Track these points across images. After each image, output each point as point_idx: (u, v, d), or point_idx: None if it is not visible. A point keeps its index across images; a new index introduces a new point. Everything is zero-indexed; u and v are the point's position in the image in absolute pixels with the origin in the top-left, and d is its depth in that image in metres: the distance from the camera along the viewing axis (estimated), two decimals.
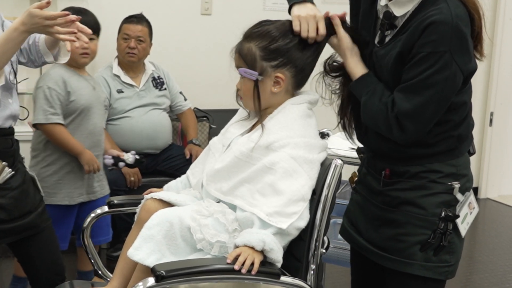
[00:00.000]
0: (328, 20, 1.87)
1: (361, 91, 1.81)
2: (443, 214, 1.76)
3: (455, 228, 1.79)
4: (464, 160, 1.84)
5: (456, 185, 1.78)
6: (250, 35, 1.87)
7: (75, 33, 2.04)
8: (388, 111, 1.71)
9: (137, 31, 3.71)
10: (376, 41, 1.83)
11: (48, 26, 1.99)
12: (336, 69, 1.93)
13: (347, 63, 1.86)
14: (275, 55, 1.84)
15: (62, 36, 2.02)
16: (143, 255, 1.74)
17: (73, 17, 2.01)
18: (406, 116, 1.69)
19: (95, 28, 3.03)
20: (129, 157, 3.30)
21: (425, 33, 1.65)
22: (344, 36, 1.86)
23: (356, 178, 2.03)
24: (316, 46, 1.88)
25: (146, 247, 1.74)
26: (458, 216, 1.78)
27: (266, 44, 1.84)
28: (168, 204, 1.91)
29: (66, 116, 2.99)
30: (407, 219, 1.79)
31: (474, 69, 1.73)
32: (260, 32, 1.86)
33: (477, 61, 1.78)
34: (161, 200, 1.93)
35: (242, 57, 1.86)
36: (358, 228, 1.93)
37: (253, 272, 1.66)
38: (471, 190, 1.85)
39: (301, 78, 1.91)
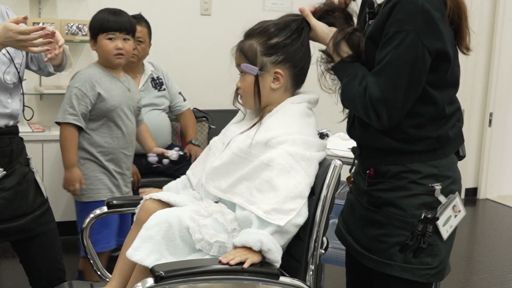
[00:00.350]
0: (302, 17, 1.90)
1: (342, 74, 1.80)
2: (422, 216, 1.74)
3: (436, 231, 1.77)
4: (448, 162, 1.81)
5: (437, 186, 1.76)
6: (251, 32, 1.90)
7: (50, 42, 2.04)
8: (366, 96, 1.69)
9: (136, 32, 3.70)
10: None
11: (21, 41, 2.00)
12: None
13: (329, 47, 1.85)
14: (274, 50, 1.87)
15: (35, 49, 2.03)
16: (142, 255, 1.74)
17: (49, 29, 2.02)
18: (378, 102, 1.67)
19: (130, 28, 3.03)
20: (173, 153, 3.27)
21: (393, 13, 1.66)
22: (316, 24, 1.87)
23: (352, 179, 2.03)
24: (307, 42, 1.90)
25: (145, 247, 1.74)
26: (437, 219, 1.76)
27: (265, 39, 1.87)
28: (167, 205, 1.91)
29: (97, 117, 3.00)
30: (388, 220, 1.79)
31: (443, 51, 1.68)
32: (260, 29, 1.89)
33: (465, 56, 1.79)
34: (160, 201, 1.93)
35: (244, 54, 1.89)
36: (349, 228, 1.94)
37: (244, 266, 1.66)
38: (457, 193, 1.81)
39: (299, 77, 1.93)
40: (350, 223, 1.94)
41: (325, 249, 1.92)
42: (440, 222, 1.77)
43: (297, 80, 1.93)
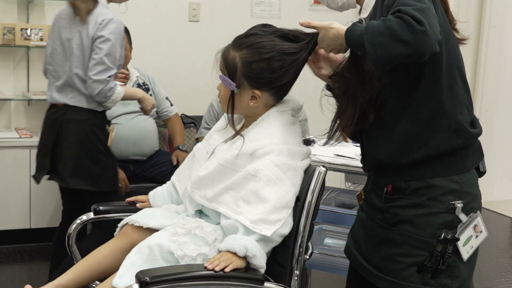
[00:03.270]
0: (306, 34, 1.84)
1: (359, 30, 1.61)
2: (442, 236, 1.67)
3: (456, 251, 1.69)
4: (470, 177, 1.73)
5: (458, 204, 1.68)
6: (240, 44, 1.85)
7: None
8: (398, 14, 1.52)
9: None
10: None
11: None
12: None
13: (338, 30, 1.71)
14: (256, 75, 1.83)
15: None
16: (127, 281, 1.73)
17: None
18: (414, 10, 1.51)
19: None
20: None
21: None
22: (319, 25, 1.77)
23: (363, 196, 1.94)
24: (297, 65, 1.84)
25: (129, 273, 1.74)
26: (457, 239, 1.68)
27: (250, 60, 1.82)
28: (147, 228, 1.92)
29: None
30: (404, 239, 1.72)
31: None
32: (249, 44, 1.84)
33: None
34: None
35: (225, 64, 1.87)
36: (359, 246, 1.88)
37: (226, 270, 1.66)
38: (479, 212, 1.73)
39: (281, 95, 1.91)
40: (360, 242, 1.87)
41: (310, 255, 1.93)
42: (460, 243, 1.69)
43: (278, 97, 1.91)
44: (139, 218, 1.96)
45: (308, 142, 2.85)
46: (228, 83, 1.86)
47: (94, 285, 1.98)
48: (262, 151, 1.81)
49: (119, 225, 2.02)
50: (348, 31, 1.65)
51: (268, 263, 1.76)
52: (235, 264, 1.69)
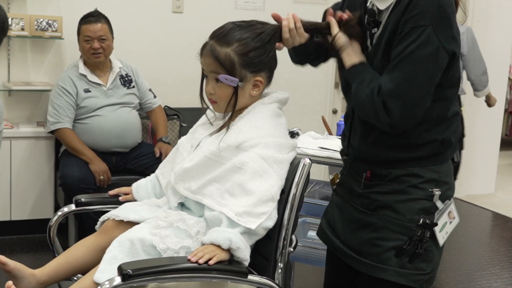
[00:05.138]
0: (326, 22, 1.83)
1: (352, 81, 1.76)
2: (421, 221, 1.72)
3: (433, 236, 1.75)
4: (447, 168, 1.79)
5: (437, 192, 1.74)
6: (224, 39, 1.83)
7: None
8: (374, 95, 1.65)
9: (97, 30, 3.67)
10: (367, 43, 1.79)
11: None
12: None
13: (342, 58, 1.79)
14: (255, 61, 1.83)
15: None
16: (109, 275, 1.71)
17: None
18: (390, 96, 1.63)
19: None
20: None
21: (408, 9, 1.64)
22: (340, 37, 1.79)
23: (338, 180, 1.98)
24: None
25: (111, 268, 1.72)
26: (436, 224, 1.74)
27: (246, 51, 1.82)
28: (128, 222, 1.90)
29: None
30: (384, 224, 1.76)
31: (457, 51, 1.68)
32: (237, 38, 1.83)
33: None
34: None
35: (220, 63, 1.82)
36: (336, 230, 1.91)
37: (210, 263, 1.65)
38: (452, 199, 1.80)
39: (271, 76, 1.92)
40: (336, 225, 1.90)
41: (294, 247, 1.93)
42: (437, 228, 1.75)
43: (270, 79, 1.93)
44: (119, 212, 1.94)
45: (292, 135, 2.84)
46: (230, 80, 1.83)
47: (75, 278, 1.96)
48: (248, 144, 1.80)
49: (100, 219, 2.00)
50: (347, 74, 1.77)
51: (252, 255, 1.75)
52: (219, 256, 1.68)
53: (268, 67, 1.87)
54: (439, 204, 1.75)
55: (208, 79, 1.88)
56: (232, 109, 1.86)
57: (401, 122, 1.66)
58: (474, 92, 4.31)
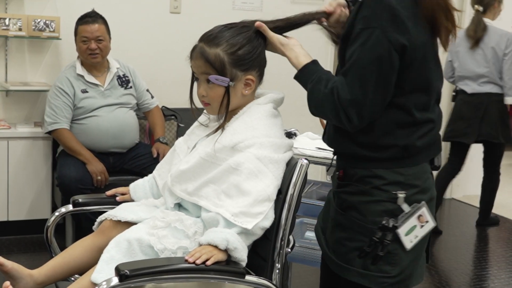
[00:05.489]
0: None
1: (306, 80, 1.76)
2: (382, 224, 1.72)
3: (397, 239, 1.73)
4: (417, 171, 1.76)
5: (401, 194, 1.72)
6: (213, 40, 1.84)
7: None
8: (335, 98, 1.66)
9: (94, 31, 3.66)
10: None
11: None
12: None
13: (288, 58, 1.83)
14: (245, 60, 1.84)
15: None
16: (106, 276, 1.71)
17: None
18: (348, 104, 1.64)
19: None
20: None
21: (360, 10, 1.66)
22: (272, 36, 1.85)
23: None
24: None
25: (108, 268, 1.72)
26: (396, 227, 1.72)
27: (235, 49, 1.83)
28: (125, 222, 1.91)
29: None
30: (350, 224, 1.77)
31: (408, 47, 1.65)
32: (225, 38, 1.84)
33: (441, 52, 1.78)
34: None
35: (210, 63, 1.83)
36: (324, 228, 1.93)
37: (208, 263, 1.65)
38: (423, 203, 1.76)
39: (262, 74, 1.93)
40: (325, 222, 1.92)
41: (292, 248, 1.92)
42: (402, 231, 1.73)
43: (261, 78, 1.93)
44: (117, 213, 1.94)
45: (289, 135, 2.85)
46: (221, 80, 1.83)
47: (73, 279, 1.96)
48: (244, 144, 1.80)
49: (98, 220, 1.99)
50: (298, 75, 1.79)
51: (249, 256, 1.76)
52: (217, 257, 1.68)
53: (258, 64, 1.88)
54: (404, 207, 1.73)
55: (199, 82, 1.89)
56: (226, 110, 1.86)
57: (361, 124, 1.69)
58: (504, 97, 4.42)
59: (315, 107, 1.74)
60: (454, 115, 4.57)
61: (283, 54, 1.85)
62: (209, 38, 1.85)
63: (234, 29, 1.86)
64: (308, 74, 1.77)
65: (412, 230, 1.75)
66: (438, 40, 1.79)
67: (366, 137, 1.74)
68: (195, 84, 1.92)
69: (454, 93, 4.69)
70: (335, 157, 1.90)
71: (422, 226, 1.77)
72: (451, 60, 4.59)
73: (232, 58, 1.83)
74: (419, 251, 1.81)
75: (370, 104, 1.66)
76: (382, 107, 1.69)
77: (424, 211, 1.77)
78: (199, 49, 1.85)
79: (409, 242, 1.75)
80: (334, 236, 1.83)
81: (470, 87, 4.47)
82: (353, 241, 1.76)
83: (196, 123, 2.03)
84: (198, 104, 1.95)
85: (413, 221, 1.74)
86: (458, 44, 4.46)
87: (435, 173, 1.86)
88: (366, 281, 1.76)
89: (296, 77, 1.80)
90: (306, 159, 1.84)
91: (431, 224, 1.79)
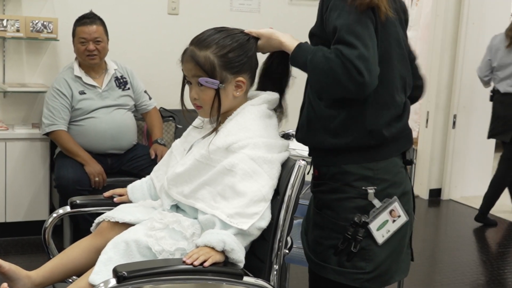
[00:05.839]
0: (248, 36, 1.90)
1: (305, 54, 1.75)
2: (354, 219, 1.75)
3: (370, 235, 1.77)
4: (386, 165, 1.80)
5: (370, 190, 1.76)
6: (203, 43, 1.86)
7: None
8: (341, 58, 1.64)
9: (92, 32, 3.66)
10: None
11: None
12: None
13: (283, 42, 1.84)
14: (235, 62, 1.85)
15: None
16: (104, 277, 1.71)
17: None
18: (355, 58, 1.63)
19: None
20: None
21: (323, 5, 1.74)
22: (262, 31, 1.88)
23: None
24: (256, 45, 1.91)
25: (106, 269, 1.72)
26: (367, 223, 1.75)
27: (224, 52, 1.84)
28: (123, 224, 1.91)
29: None
30: (324, 223, 1.81)
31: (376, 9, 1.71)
32: (215, 41, 1.85)
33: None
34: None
35: (200, 66, 1.84)
36: (306, 228, 1.97)
37: (205, 264, 1.66)
38: (395, 197, 1.80)
39: (254, 76, 1.94)
40: (308, 223, 1.96)
41: (289, 249, 1.93)
42: (373, 226, 1.76)
43: (253, 80, 1.94)
44: (115, 214, 1.94)
45: (287, 136, 2.84)
46: (211, 83, 1.84)
47: (70, 280, 1.96)
48: (237, 145, 1.80)
49: (96, 221, 1.99)
50: (294, 54, 1.78)
51: (247, 257, 1.76)
52: (214, 258, 1.68)
53: (248, 67, 1.89)
54: (375, 202, 1.77)
55: (191, 85, 1.90)
56: (217, 112, 1.86)
57: (371, 80, 1.66)
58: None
59: (322, 74, 1.69)
60: (492, 114, 4.71)
61: (277, 43, 1.85)
62: (199, 41, 1.87)
63: (224, 32, 1.87)
64: (306, 49, 1.77)
65: (384, 225, 1.78)
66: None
67: (336, 120, 1.77)
68: (187, 87, 1.94)
69: (491, 93, 4.78)
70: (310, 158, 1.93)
71: (394, 221, 1.80)
72: (490, 59, 4.69)
73: (222, 60, 1.84)
74: (395, 246, 1.83)
75: (373, 57, 1.66)
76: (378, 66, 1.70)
77: (396, 205, 1.80)
78: (190, 52, 1.87)
79: (381, 237, 1.78)
80: (312, 235, 1.87)
81: (503, 87, 4.58)
82: (328, 239, 1.81)
83: (192, 125, 2.04)
84: (191, 107, 1.95)
85: (384, 216, 1.78)
86: (499, 43, 4.54)
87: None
88: (342, 278, 1.79)
89: (294, 54, 1.79)
90: (303, 160, 1.84)
91: (403, 219, 1.83)
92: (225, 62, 1.84)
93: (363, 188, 1.77)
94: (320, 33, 1.79)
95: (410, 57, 1.95)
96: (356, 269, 1.78)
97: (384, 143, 1.79)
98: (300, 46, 1.79)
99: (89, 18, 3.69)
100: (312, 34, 1.81)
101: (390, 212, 1.79)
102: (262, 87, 1.96)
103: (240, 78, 1.86)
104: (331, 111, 1.78)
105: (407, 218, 1.84)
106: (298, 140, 1.94)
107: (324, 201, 1.82)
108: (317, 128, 1.82)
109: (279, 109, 1.96)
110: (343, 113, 1.77)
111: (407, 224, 1.85)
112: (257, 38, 1.90)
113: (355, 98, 1.73)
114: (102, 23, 3.74)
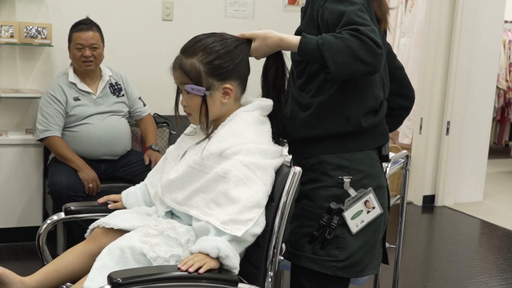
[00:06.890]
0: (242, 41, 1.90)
1: (312, 43, 1.74)
2: (329, 206, 1.82)
3: (344, 223, 1.83)
4: (362, 156, 1.87)
5: (346, 179, 1.83)
6: (189, 50, 1.86)
7: None
8: (354, 32, 1.69)
9: (89, 38, 3.65)
10: None
11: None
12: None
13: (283, 38, 1.84)
14: (221, 69, 1.84)
15: None
16: (99, 284, 1.71)
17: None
18: (368, 31, 1.69)
19: None
20: None
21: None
22: (257, 32, 1.88)
23: None
24: (246, 54, 1.90)
25: (101, 276, 1.72)
26: (342, 210, 1.81)
27: (210, 59, 1.84)
28: (118, 230, 1.90)
29: None
30: (301, 212, 1.88)
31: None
32: (201, 47, 1.85)
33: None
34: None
35: (186, 73, 1.85)
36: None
37: (200, 271, 1.65)
38: (370, 189, 1.86)
39: (244, 83, 1.93)
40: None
41: (284, 256, 1.92)
42: (347, 215, 1.82)
43: (243, 87, 1.93)
44: (109, 220, 1.94)
45: (281, 142, 2.84)
46: (197, 90, 1.84)
47: (64, 286, 1.95)
48: (230, 151, 1.80)
49: (90, 227, 1.99)
50: (302, 43, 1.76)
51: (242, 264, 1.76)
52: (209, 264, 1.68)
53: (236, 74, 1.88)
54: (351, 191, 1.83)
55: (182, 92, 1.91)
56: (205, 119, 1.86)
57: (384, 52, 1.77)
58: None
59: (340, 54, 1.70)
60: None
61: (275, 40, 1.85)
62: (186, 48, 1.88)
63: (212, 38, 1.87)
64: (312, 37, 1.77)
65: (358, 214, 1.84)
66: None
67: (316, 107, 1.85)
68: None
69: None
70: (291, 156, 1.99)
71: (368, 212, 1.86)
72: None
73: (208, 67, 1.84)
74: (369, 238, 1.88)
75: (378, 33, 1.73)
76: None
77: (371, 197, 1.86)
78: (178, 60, 1.88)
79: (355, 226, 1.84)
80: (289, 228, 1.89)
81: None
82: (303, 228, 1.86)
83: (185, 132, 2.04)
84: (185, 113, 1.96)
85: (359, 205, 1.84)
86: None
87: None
88: (316, 265, 1.84)
89: (302, 44, 1.77)
90: (299, 166, 1.84)
91: (377, 211, 1.88)
92: (211, 69, 1.84)
93: (339, 177, 1.83)
94: (309, 30, 1.83)
95: (396, 64, 2.00)
96: (330, 257, 1.83)
97: (361, 133, 1.86)
98: (305, 35, 1.79)
99: (86, 24, 3.69)
100: (300, 32, 1.81)
101: (365, 203, 1.85)
102: (266, 95, 1.96)
103: (227, 85, 1.86)
104: (313, 100, 1.86)
105: (381, 210, 1.89)
106: (284, 137, 1.98)
107: (302, 191, 1.87)
108: (299, 119, 1.88)
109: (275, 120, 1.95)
110: (323, 100, 1.84)
111: (381, 216, 1.90)
112: (249, 43, 1.89)
113: (370, 74, 1.77)
114: (99, 30, 3.74)
